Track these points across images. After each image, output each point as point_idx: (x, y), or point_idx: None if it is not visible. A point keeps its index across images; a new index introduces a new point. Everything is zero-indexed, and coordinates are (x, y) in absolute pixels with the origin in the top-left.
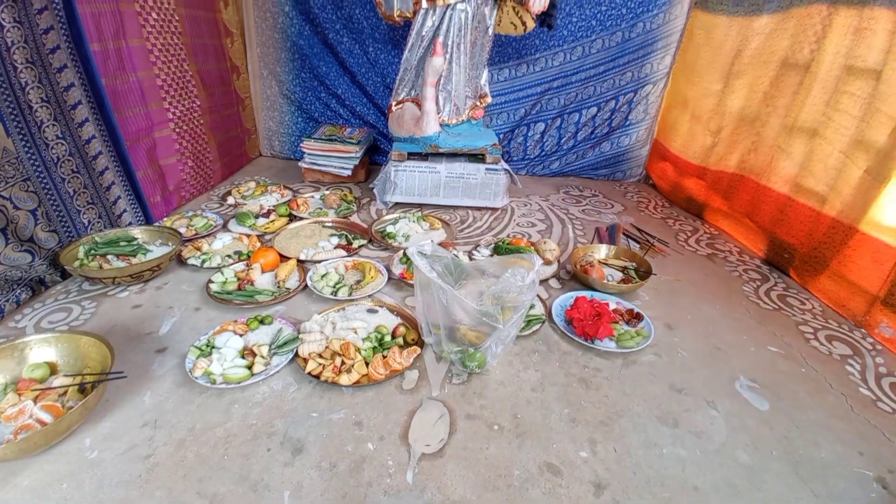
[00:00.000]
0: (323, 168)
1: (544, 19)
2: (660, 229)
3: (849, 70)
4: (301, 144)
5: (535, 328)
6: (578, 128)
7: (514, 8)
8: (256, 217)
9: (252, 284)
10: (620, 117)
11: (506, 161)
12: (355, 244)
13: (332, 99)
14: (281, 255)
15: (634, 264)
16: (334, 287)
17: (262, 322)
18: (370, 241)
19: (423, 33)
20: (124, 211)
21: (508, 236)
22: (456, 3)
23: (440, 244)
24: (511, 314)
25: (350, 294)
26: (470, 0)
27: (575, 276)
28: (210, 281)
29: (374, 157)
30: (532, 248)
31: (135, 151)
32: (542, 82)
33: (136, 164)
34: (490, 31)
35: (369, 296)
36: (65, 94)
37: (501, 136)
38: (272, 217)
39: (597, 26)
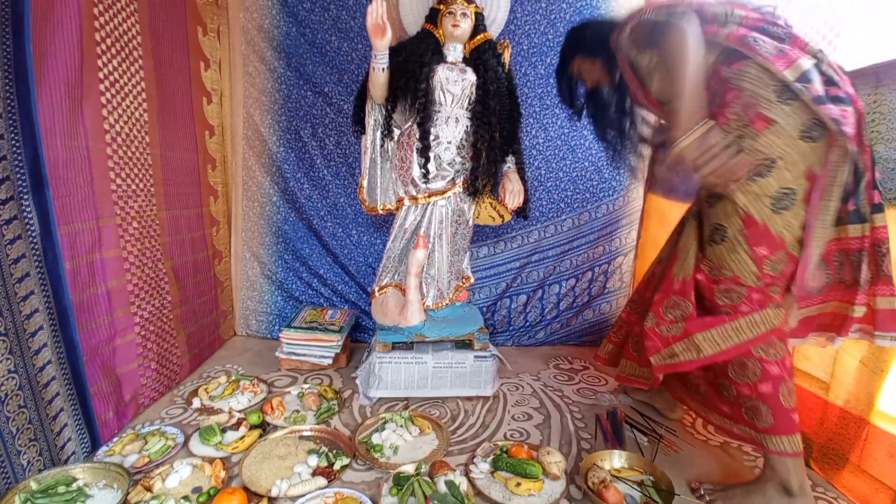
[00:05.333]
0: (302, 358)
1: (519, 211)
2: None
3: None
4: (280, 335)
5: None
6: (560, 298)
7: (491, 203)
8: (224, 431)
9: None
10: (598, 286)
11: (491, 334)
12: (337, 465)
13: (313, 279)
14: (248, 493)
15: (652, 478)
16: None
17: None
18: (354, 456)
19: (406, 226)
20: (69, 440)
21: (506, 438)
22: (437, 200)
23: (433, 465)
24: None
25: None
26: (450, 198)
27: (586, 495)
28: None
29: (356, 335)
30: (534, 457)
31: (91, 365)
32: (521, 257)
33: (90, 381)
34: (470, 223)
35: None
36: (26, 322)
37: (485, 308)
38: (241, 431)
39: (565, 208)
